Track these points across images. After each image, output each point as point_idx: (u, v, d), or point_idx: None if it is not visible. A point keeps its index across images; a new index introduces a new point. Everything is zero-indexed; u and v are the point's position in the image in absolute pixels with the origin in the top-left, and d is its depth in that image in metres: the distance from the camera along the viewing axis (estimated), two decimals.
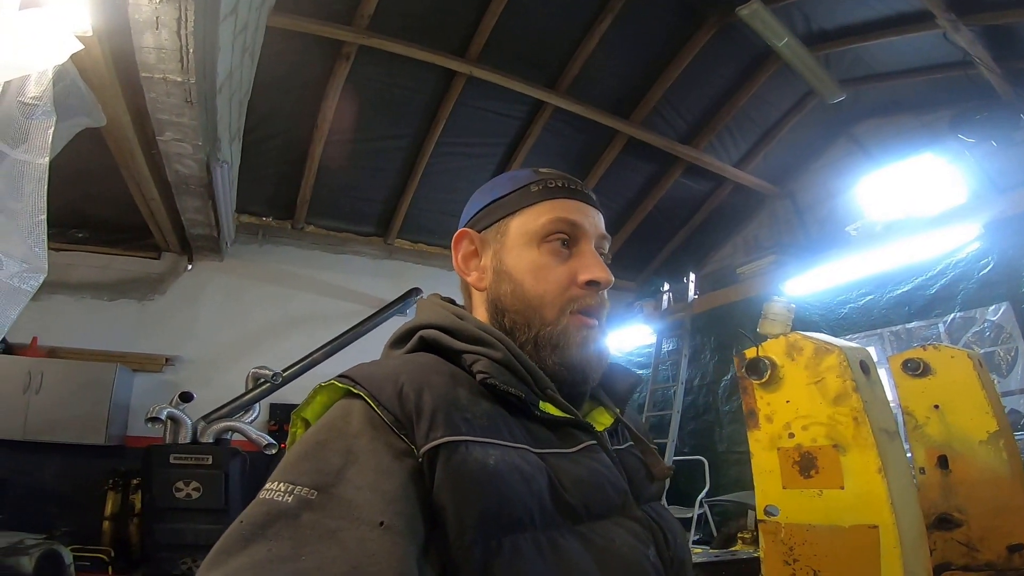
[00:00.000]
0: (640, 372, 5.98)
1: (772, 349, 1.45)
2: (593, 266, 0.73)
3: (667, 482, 0.80)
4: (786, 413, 1.39)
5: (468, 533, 0.52)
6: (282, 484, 0.51)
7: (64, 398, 4.10)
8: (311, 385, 0.64)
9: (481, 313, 0.77)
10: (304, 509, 0.49)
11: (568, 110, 4.74)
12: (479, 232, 0.79)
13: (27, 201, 1.85)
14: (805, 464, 1.33)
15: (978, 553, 1.75)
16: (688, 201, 5.96)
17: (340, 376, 0.61)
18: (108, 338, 4.65)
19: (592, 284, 0.72)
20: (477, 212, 0.80)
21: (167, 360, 4.81)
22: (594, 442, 0.69)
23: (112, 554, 3.86)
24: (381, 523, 0.48)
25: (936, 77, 4.21)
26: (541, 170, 0.80)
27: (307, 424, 0.63)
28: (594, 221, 0.77)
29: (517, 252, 0.74)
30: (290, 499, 0.49)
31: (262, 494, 0.51)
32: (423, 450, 0.55)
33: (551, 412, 0.67)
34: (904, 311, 4.16)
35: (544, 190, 0.76)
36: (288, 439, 0.66)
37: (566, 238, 0.74)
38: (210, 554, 0.46)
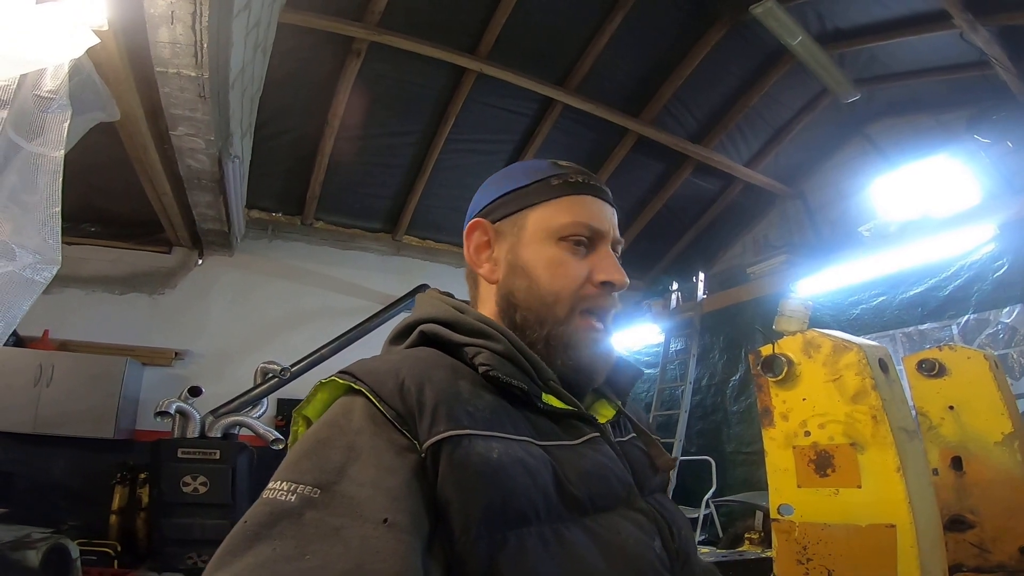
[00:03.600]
0: (648, 371, 6.00)
1: (788, 347, 1.43)
2: (610, 267, 0.73)
3: (671, 474, 0.80)
4: (802, 411, 1.37)
5: (473, 528, 0.52)
6: (285, 483, 0.51)
7: (74, 391, 4.12)
8: (318, 380, 0.63)
9: (489, 306, 0.76)
10: (307, 508, 0.49)
11: (578, 108, 4.73)
12: (493, 223, 0.77)
13: (41, 194, 1.87)
14: (821, 463, 1.32)
15: (990, 555, 1.73)
16: (698, 200, 5.94)
17: (341, 372, 0.61)
18: (119, 332, 4.68)
19: (607, 285, 0.72)
20: (491, 202, 0.78)
21: (177, 354, 4.84)
22: (597, 434, 0.69)
23: (119, 548, 3.87)
24: (384, 520, 0.48)
25: (952, 77, 4.16)
26: (561, 163, 0.78)
27: (309, 422, 0.63)
28: (612, 222, 0.76)
29: (535, 247, 0.73)
30: (293, 498, 0.49)
31: (265, 493, 0.51)
32: (426, 445, 0.54)
33: (554, 404, 0.67)
34: (917, 312, 4.11)
35: (565, 184, 0.75)
36: (290, 437, 0.65)
37: (585, 239, 0.73)
38: (215, 555, 0.46)
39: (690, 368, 5.40)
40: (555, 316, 0.71)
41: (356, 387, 0.59)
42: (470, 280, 0.81)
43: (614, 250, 0.76)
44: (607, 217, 0.76)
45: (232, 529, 0.48)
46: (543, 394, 0.67)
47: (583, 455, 0.64)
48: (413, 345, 0.71)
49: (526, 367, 0.66)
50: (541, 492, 0.56)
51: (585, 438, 0.67)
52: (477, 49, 4.25)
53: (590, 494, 0.61)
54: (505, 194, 0.77)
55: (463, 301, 0.80)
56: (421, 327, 0.71)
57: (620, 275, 0.73)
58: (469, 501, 0.52)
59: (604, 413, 0.74)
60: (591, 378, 0.72)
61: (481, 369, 0.63)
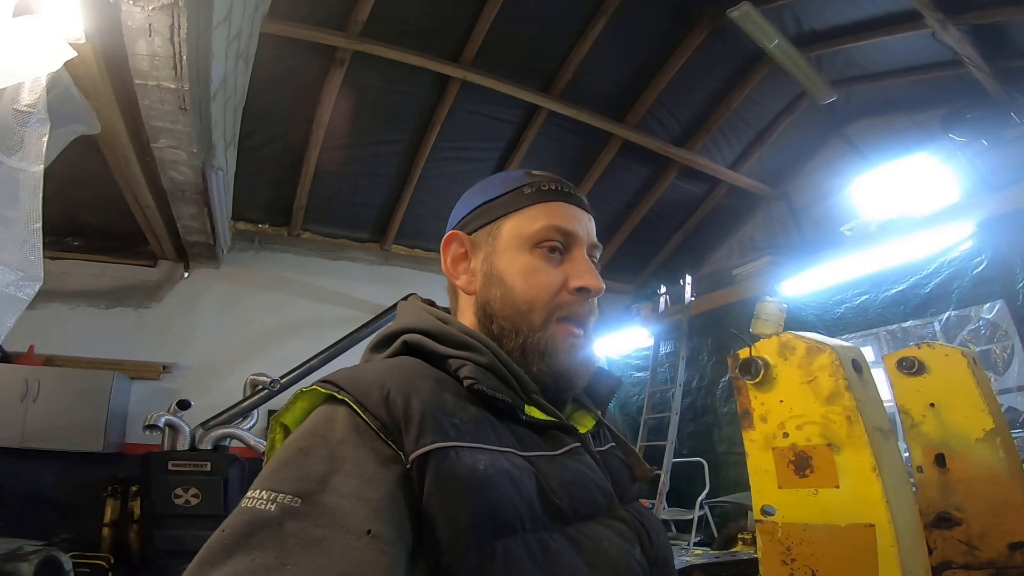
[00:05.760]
0: (638, 374, 6.01)
1: (765, 349, 1.45)
2: (585, 273, 0.72)
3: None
4: (780, 413, 1.39)
5: (461, 539, 0.52)
6: (264, 492, 0.50)
7: (62, 406, 4.09)
8: (300, 388, 0.63)
9: (468, 317, 0.76)
10: (288, 517, 0.48)
11: (563, 114, 4.75)
12: (469, 234, 0.77)
13: (22, 209, 1.85)
14: (800, 463, 1.33)
15: (979, 551, 1.75)
16: (683, 203, 5.98)
17: (322, 381, 0.61)
18: (105, 346, 4.63)
19: (583, 291, 0.72)
20: (468, 214, 0.78)
21: (164, 368, 4.79)
22: (578, 444, 0.69)
23: (112, 561, 3.85)
24: (368, 531, 0.48)
25: (926, 77, 4.23)
26: (534, 172, 0.79)
27: (287, 430, 0.62)
28: (587, 227, 0.76)
29: (509, 256, 0.73)
30: (273, 507, 0.48)
31: (244, 502, 0.50)
32: (412, 456, 0.54)
33: (536, 416, 0.67)
34: (900, 310, 4.16)
35: (537, 192, 0.75)
36: (266, 445, 0.64)
37: (559, 245, 0.73)
38: (192, 564, 0.45)
39: (680, 370, 5.42)
40: (531, 324, 0.70)
41: (339, 396, 0.58)
42: (450, 292, 0.81)
43: (591, 256, 0.76)
44: (581, 222, 0.75)
45: (209, 538, 0.47)
46: (525, 406, 0.67)
47: (565, 465, 0.65)
48: (395, 354, 0.71)
49: (509, 380, 0.67)
50: (526, 502, 0.57)
51: (566, 448, 0.67)
52: (461, 57, 4.26)
53: (572, 503, 0.61)
54: (480, 205, 0.77)
55: (445, 309, 0.81)
56: (404, 337, 0.71)
57: (596, 280, 0.72)
58: (457, 512, 0.52)
59: (584, 423, 0.75)
60: (570, 385, 0.72)
61: (466, 382, 0.63)
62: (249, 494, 0.51)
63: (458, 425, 0.59)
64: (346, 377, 0.61)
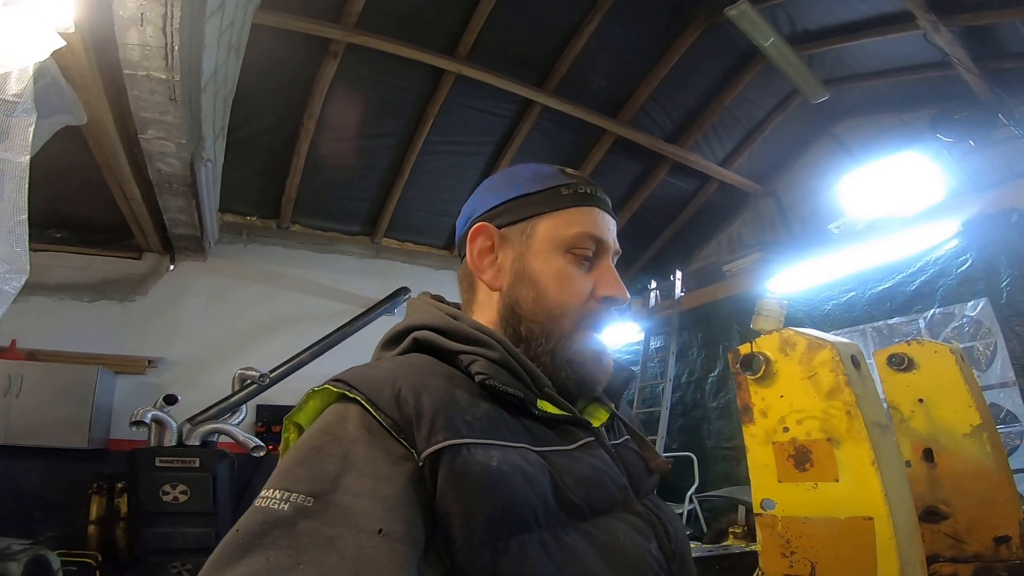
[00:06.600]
0: None
1: (766, 345, 1.46)
2: (613, 283, 0.74)
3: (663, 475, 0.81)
4: (780, 407, 1.41)
5: (475, 536, 0.52)
6: (278, 491, 0.50)
7: (45, 401, 4.02)
8: (298, 386, 0.63)
9: (488, 313, 0.75)
10: (301, 517, 0.48)
11: (556, 109, 4.75)
12: (499, 228, 0.75)
13: (8, 201, 1.81)
14: (800, 458, 1.36)
15: (965, 545, 1.79)
16: (674, 199, 6.01)
17: (334, 380, 0.61)
18: (89, 340, 4.56)
19: (609, 300, 0.73)
20: (497, 205, 0.76)
21: (150, 362, 4.73)
22: (592, 438, 0.70)
23: (100, 558, 3.80)
24: (380, 530, 0.48)
25: (916, 77, 4.29)
26: (568, 171, 0.78)
27: (300, 430, 0.62)
28: (613, 235, 0.77)
29: (544, 257, 0.72)
30: (286, 507, 0.49)
31: (258, 502, 0.50)
32: (424, 454, 0.54)
33: (549, 410, 0.67)
34: (886, 307, 4.23)
35: (575, 195, 0.75)
36: (281, 445, 0.64)
37: (591, 253, 0.74)
38: (206, 565, 0.46)
39: (670, 366, 5.47)
40: (561, 330, 0.71)
41: (351, 395, 0.58)
42: (465, 283, 0.79)
43: (611, 260, 0.77)
44: (611, 230, 0.77)
45: (223, 538, 0.48)
46: (538, 400, 0.67)
47: (579, 460, 0.65)
48: (406, 351, 0.70)
49: (521, 374, 0.67)
50: (540, 498, 0.57)
51: (580, 443, 0.67)
52: (456, 50, 4.24)
53: (588, 499, 0.61)
54: (512, 199, 0.75)
55: (454, 305, 0.80)
56: (415, 334, 0.70)
57: (623, 291, 0.74)
58: (471, 510, 0.52)
59: (598, 417, 0.75)
60: (592, 388, 0.73)
61: (477, 378, 0.63)
62: (263, 493, 0.51)
63: (470, 422, 0.58)
64: (357, 376, 0.60)
